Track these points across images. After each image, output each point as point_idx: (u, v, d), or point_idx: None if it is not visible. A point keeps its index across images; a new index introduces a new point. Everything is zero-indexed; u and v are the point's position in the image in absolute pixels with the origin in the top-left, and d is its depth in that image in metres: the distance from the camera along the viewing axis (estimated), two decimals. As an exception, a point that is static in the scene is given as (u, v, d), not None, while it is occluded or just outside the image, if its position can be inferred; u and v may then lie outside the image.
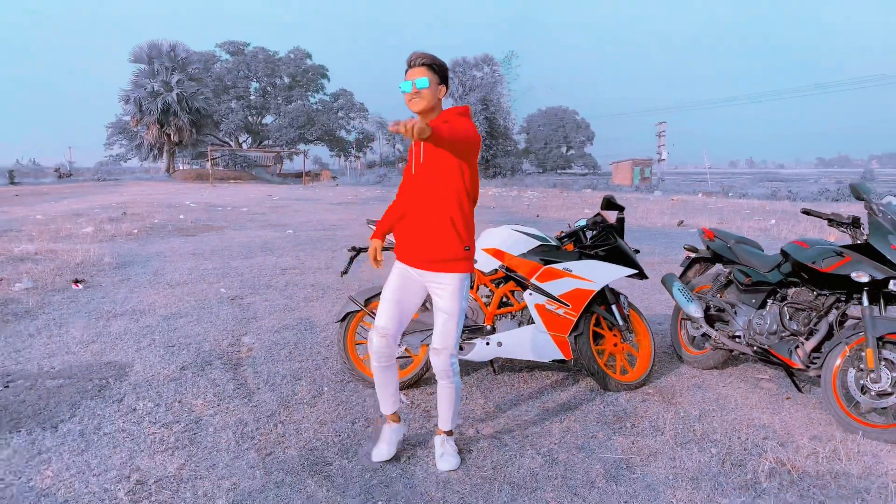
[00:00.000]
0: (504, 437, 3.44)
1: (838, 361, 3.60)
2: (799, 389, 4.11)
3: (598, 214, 4.39)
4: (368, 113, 62.96)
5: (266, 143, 58.62)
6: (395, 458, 3.17)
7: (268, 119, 59.34)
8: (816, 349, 3.82)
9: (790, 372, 4.04)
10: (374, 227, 3.46)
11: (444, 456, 3.12)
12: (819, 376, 3.75)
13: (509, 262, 4.19)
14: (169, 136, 44.42)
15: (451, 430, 3.20)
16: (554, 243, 4.30)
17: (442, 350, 2.98)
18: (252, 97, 58.44)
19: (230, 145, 56.88)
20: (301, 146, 58.82)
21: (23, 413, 3.63)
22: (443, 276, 2.93)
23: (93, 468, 3.02)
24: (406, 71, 2.87)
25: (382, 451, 3.15)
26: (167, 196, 24.44)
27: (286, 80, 58.84)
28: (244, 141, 59.58)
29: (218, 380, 4.25)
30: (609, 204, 4.30)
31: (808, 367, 3.81)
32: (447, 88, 2.92)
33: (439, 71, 2.87)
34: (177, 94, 43.25)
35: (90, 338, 5.14)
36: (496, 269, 4.23)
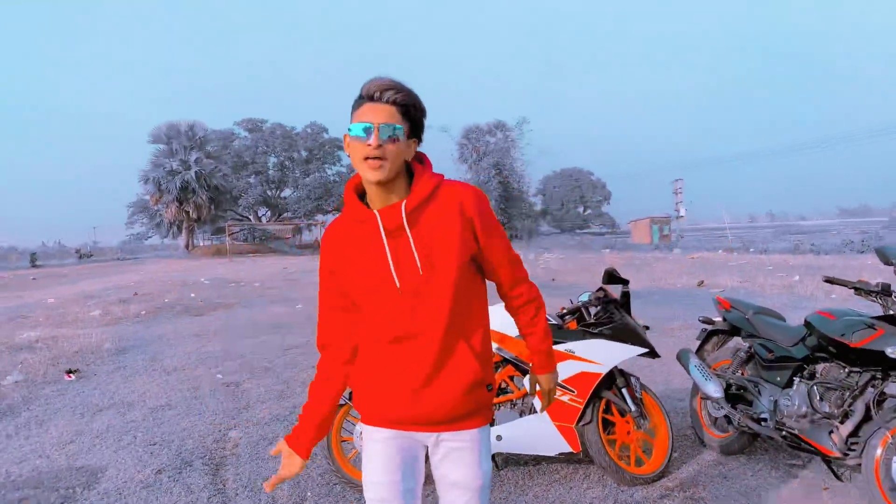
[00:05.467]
0: (503, 550, 3.04)
1: (879, 450, 3.17)
2: (838, 478, 3.64)
3: (601, 289, 4.05)
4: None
5: (285, 215, 59.29)
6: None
7: (286, 192, 60.17)
8: (854, 433, 3.38)
9: (826, 459, 3.59)
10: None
11: None
12: (860, 465, 3.31)
13: (507, 344, 3.85)
14: (188, 213, 45.08)
15: None
16: (555, 322, 3.97)
17: None
18: (270, 171, 59.47)
19: (249, 219, 57.60)
20: (318, 217, 59.39)
21: (-27, 535, 3.31)
22: (461, 434, 1.90)
23: None
24: (359, 104, 1.76)
25: None
26: (183, 273, 24.46)
27: (303, 153, 59.94)
28: (263, 214, 60.35)
29: (194, 485, 3.89)
30: (611, 278, 3.96)
31: (847, 454, 3.37)
32: (419, 143, 1.85)
33: (416, 116, 1.79)
34: (195, 172, 44.08)
35: (69, 437, 4.83)
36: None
